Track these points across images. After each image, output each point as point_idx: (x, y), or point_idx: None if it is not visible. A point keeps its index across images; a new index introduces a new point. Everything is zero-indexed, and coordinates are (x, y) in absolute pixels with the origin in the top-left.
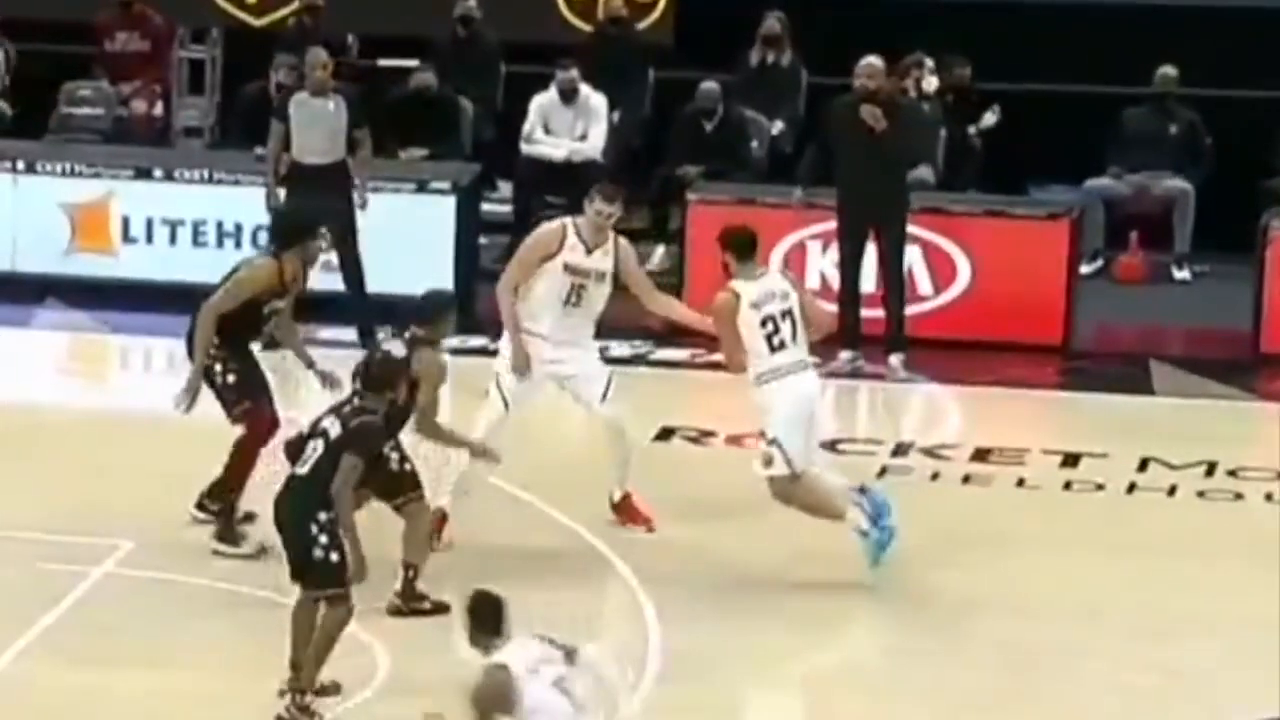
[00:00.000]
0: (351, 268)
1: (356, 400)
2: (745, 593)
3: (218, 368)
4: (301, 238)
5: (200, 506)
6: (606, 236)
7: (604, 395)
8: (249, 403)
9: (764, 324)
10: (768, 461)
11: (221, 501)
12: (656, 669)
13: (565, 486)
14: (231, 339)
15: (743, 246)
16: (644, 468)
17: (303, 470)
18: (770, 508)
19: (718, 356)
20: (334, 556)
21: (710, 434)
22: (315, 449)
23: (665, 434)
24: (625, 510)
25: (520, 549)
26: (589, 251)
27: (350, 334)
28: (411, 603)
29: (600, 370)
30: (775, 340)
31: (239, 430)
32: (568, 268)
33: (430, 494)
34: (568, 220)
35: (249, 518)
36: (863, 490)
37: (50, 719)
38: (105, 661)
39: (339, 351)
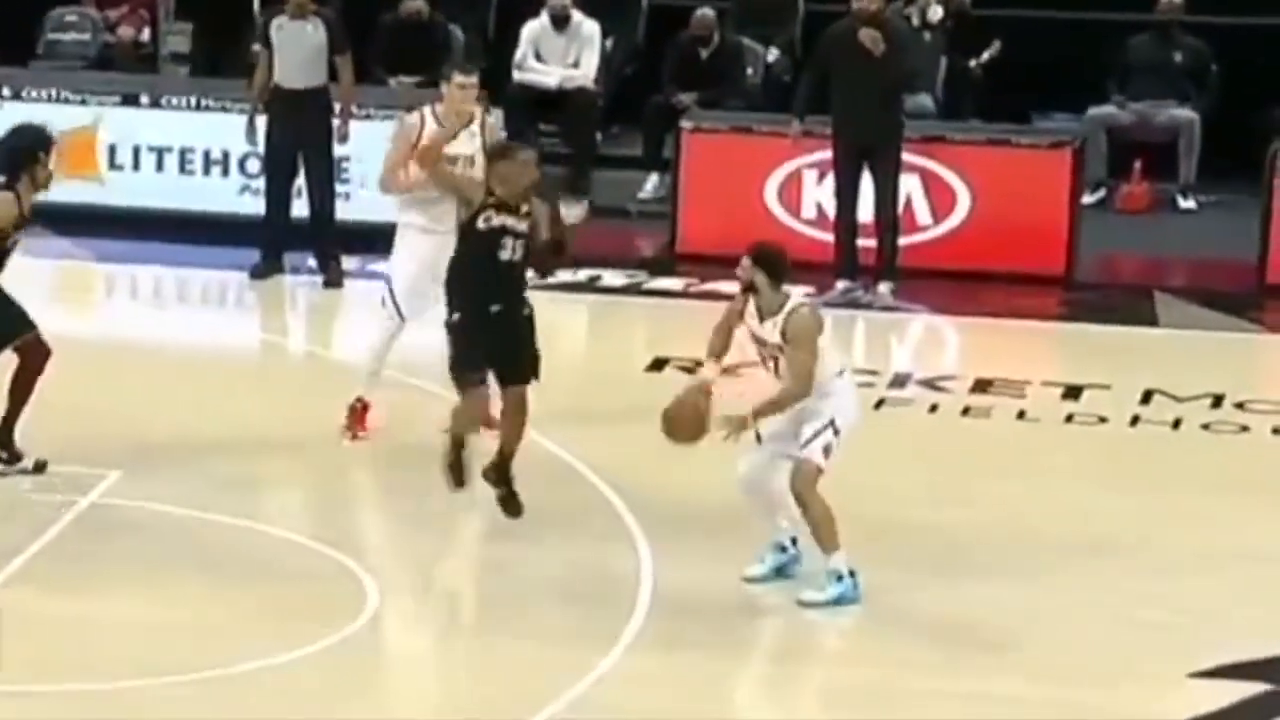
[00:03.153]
0: (320, 195)
1: None
2: (739, 528)
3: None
4: (31, 163)
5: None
6: (471, 118)
7: None
8: (30, 332)
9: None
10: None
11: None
12: (648, 604)
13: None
14: None
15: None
16: (637, 399)
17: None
18: None
19: (710, 286)
20: None
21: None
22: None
23: (658, 364)
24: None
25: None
26: (453, 136)
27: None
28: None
29: None
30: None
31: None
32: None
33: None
34: (426, 108)
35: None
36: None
37: (36, 648)
38: (91, 591)
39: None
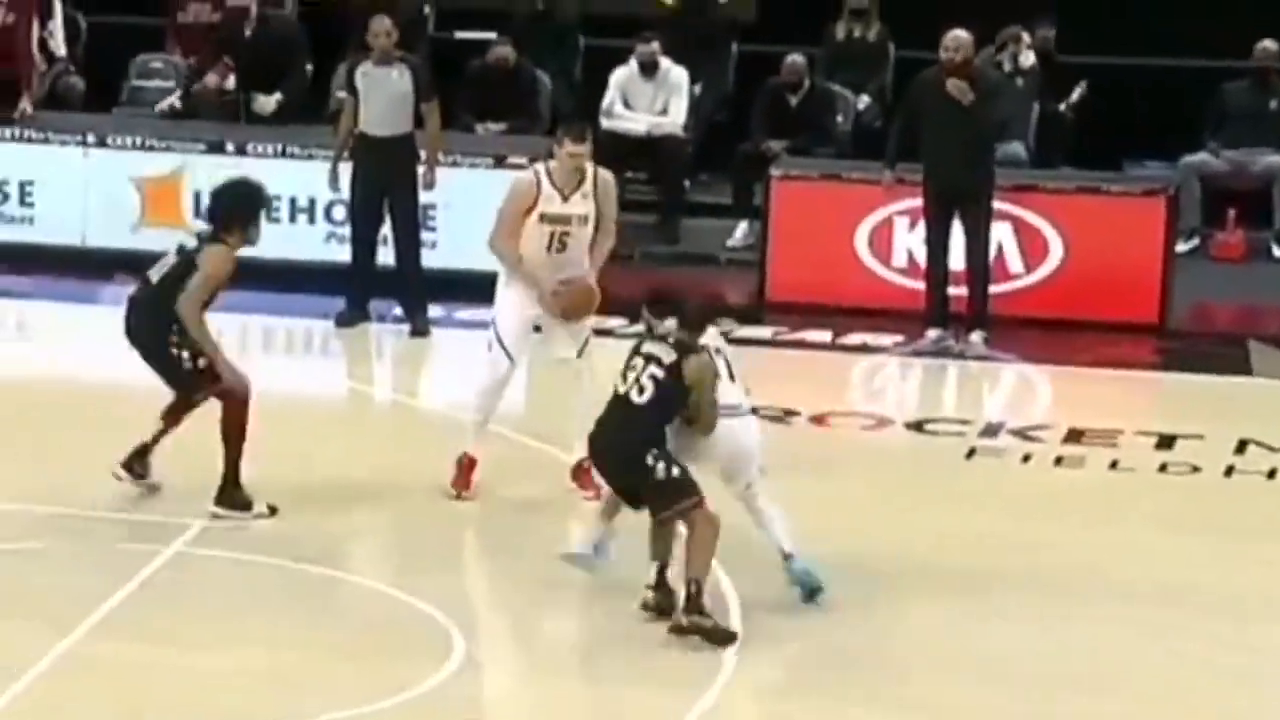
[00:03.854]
0: (405, 243)
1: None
2: (827, 568)
3: (184, 355)
4: (250, 221)
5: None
6: (583, 177)
7: (580, 350)
8: (224, 384)
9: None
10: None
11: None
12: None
13: None
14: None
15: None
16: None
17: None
18: (851, 484)
19: (799, 335)
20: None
21: (793, 412)
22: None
23: (749, 413)
24: (583, 476)
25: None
26: (565, 198)
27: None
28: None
29: (582, 326)
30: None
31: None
32: (544, 218)
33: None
34: (540, 166)
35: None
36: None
37: (119, 696)
38: (174, 640)
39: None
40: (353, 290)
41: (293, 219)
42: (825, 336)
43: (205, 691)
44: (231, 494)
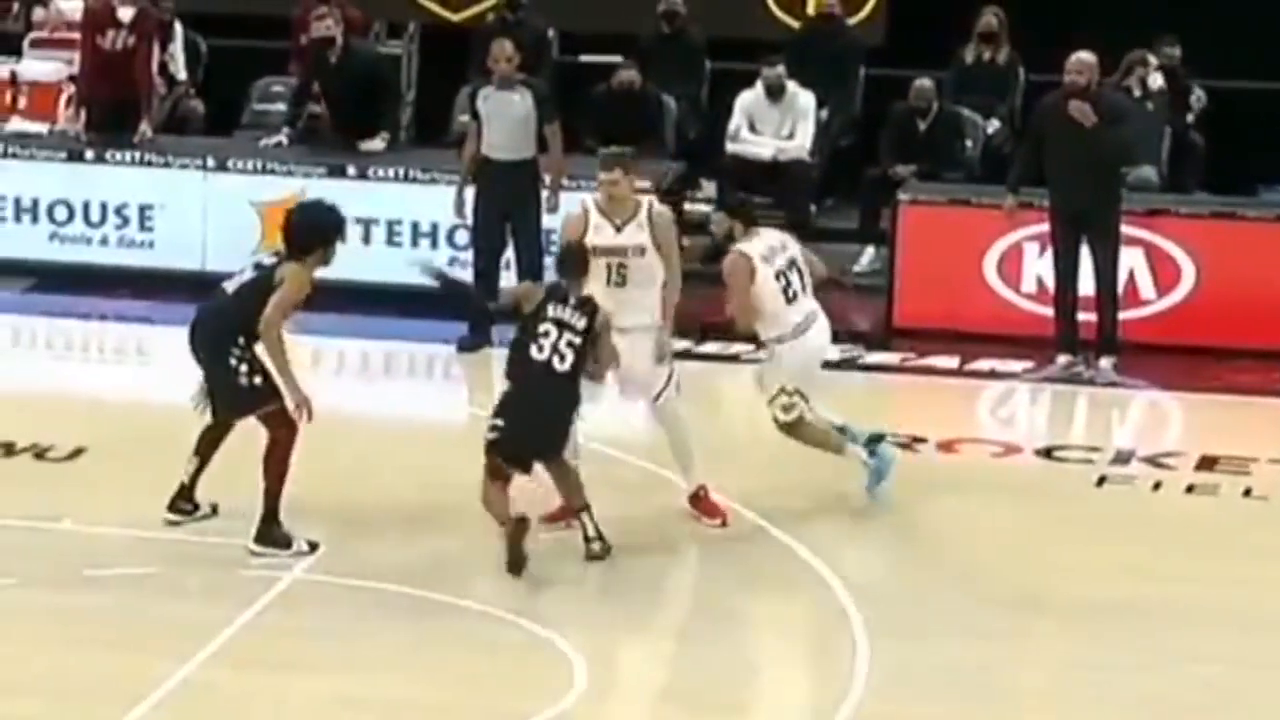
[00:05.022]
0: (528, 267)
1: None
2: (954, 596)
3: (243, 369)
4: (327, 244)
5: (174, 509)
6: (634, 207)
7: (658, 396)
8: (277, 404)
9: (777, 278)
10: (788, 409)
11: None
12: (864, 675)
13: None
14: (253, 344)
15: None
16: (851, 473)
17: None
18: (979, 512)
19: (928, 360)
20: None
21: (921, 439)
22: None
23: (874, 440)
24: (700, 504)
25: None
26: (618, 229)
27: None
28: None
29: (651, 371)
30: (789, 294)
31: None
32: (597, 250)
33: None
34: (588, 197)
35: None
36: (843, 430)
37: None
38: (292, 666)
39: None
40: (475, 315)
41: (414, 243)
42: (953, 363)
43: (326, 718)
44: (270, 531)
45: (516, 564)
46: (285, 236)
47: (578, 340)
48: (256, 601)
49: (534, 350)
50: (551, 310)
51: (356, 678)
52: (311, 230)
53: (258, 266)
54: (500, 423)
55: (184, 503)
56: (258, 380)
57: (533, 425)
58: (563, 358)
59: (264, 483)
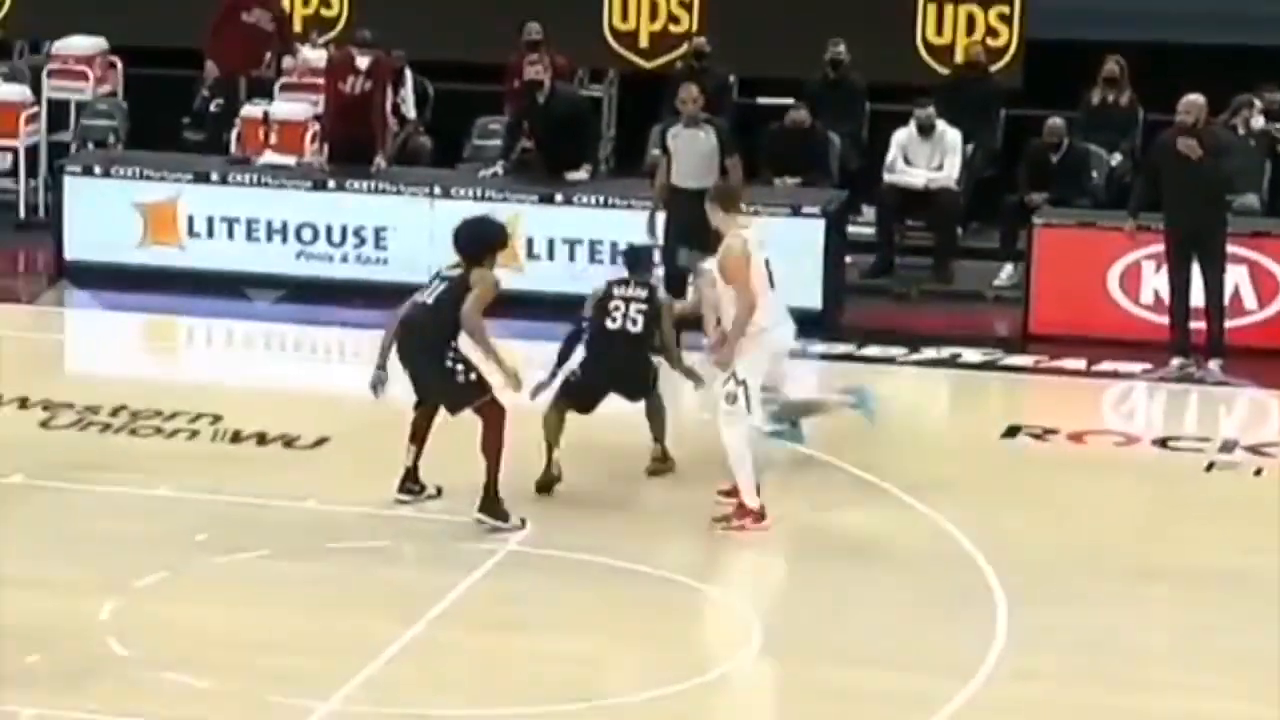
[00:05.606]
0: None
1: None
2: (1082, 566)
3: (459, 368)
4: (494, 253)
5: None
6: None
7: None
8: (489, 395)
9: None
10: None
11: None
12: (1003, 642)
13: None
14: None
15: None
16: (994, 461)
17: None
18: (1104, 494)
19: (1059, 363)
20: None
21: (1052, 431)
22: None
23: (1012, 431)
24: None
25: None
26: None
27: None
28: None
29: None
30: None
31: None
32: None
33: None
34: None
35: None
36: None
37: (463, 676)
38: (509, 627)
39: None
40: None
41: (613, 260)
42: (1081, 364)
43: (536, 672)
44: (492, 506)
45: (548, 484)
46: (461, 249)
47: (644, 308)
48: (476, 570)
49: (609, 323)
50: (618, 291)
51: (560, 636)
52: (482, 241)
53: (445, 278)
54: (579, 373)
55: (411, 484)
56: (472, 376)
57: (614, 375)
58: (634, 322)
59: (485, 461)
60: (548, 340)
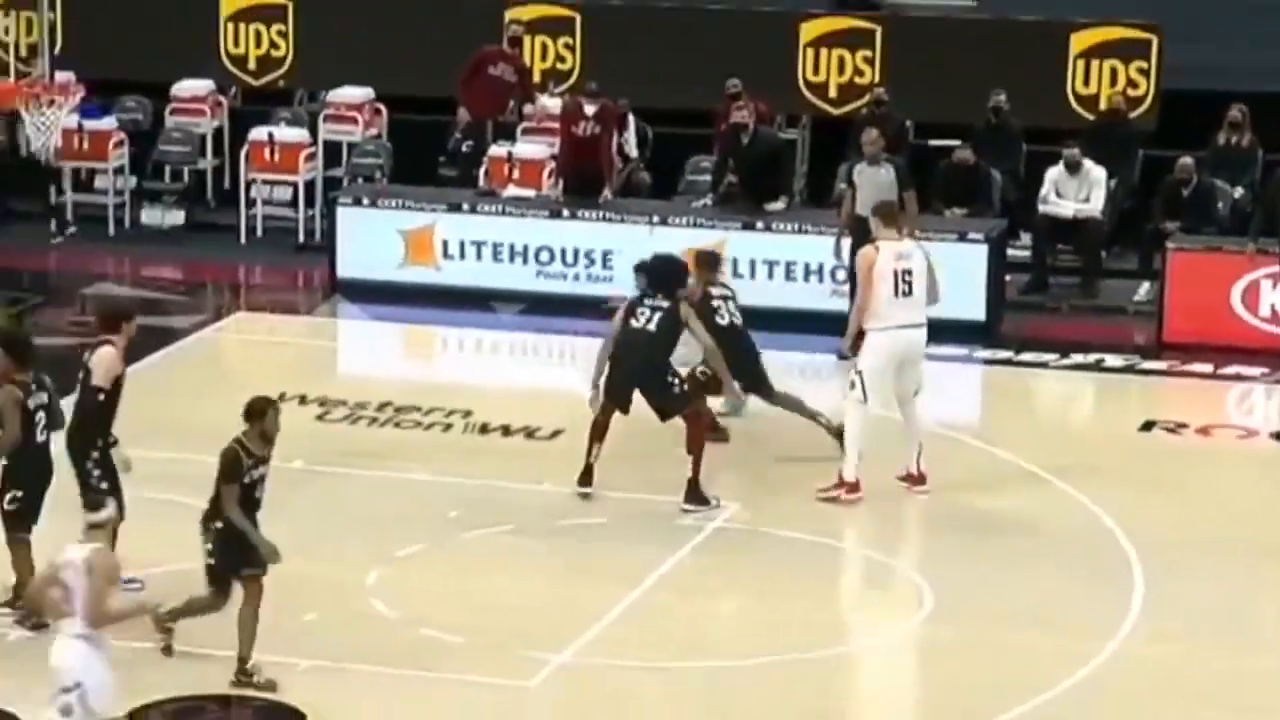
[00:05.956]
0: None
1: None
2: (1209, 546)
3: (676, 381)
4: (683, 284)
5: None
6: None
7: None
8: (695, 401)
9: (903, 276)
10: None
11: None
12: (1139, 606)
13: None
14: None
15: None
16: (1132, 451)
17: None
18: (1227, 481)
19: (1189, 367)
20: None
21: (1184, 425)
22: None
23: (1147, 425)
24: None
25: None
26: (900, 256)
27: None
28: None
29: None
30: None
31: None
32: (897, 272)
33: None
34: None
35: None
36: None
37: (680, 634)
38: (714, 593)
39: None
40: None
41: (806, 279)
42: (1208, 368)
43: (737, 631)
44: (696, 493)
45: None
46: (659, 283)
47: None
48: (686, 544)
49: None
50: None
51: (757, 600)
52: (677, 276)
53: (658, 309)
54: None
55: (589, 478)
56: (685, 387)
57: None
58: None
59: (690, 455)
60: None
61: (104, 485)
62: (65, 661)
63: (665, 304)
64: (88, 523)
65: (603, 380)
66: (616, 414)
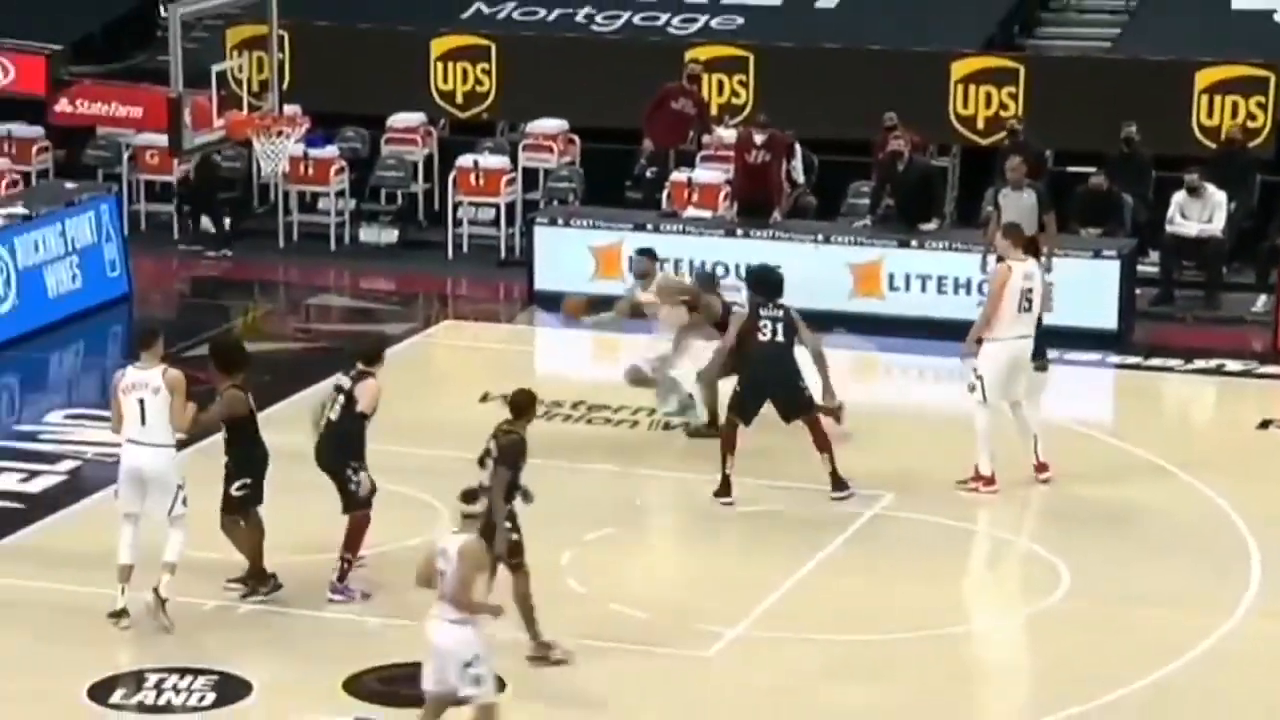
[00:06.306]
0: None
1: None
2: None
3: (805, 385)
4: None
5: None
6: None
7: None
8: (816, 408)
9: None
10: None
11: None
12: (1258, 585)
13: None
14: None
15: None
16: (1250, 447)
17: None
18: None
19: None
20: None
21: None
22: None
23: (1264, 424)
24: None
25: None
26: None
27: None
28: None
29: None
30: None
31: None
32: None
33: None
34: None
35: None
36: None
37: (833, 611)
38: (873, 572)
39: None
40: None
41: (955, 291)
42: None
43: (892, 606)
44: (838, 482)
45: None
46: (771, 291)
47: (780, 321)
48: (848, 529)
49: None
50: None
51: (910, 579)
52: (778, 287)
53: (776, 319)
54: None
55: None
56: (811, 395)
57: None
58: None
59: (822, 452)
60: (904, 353)
61: (363, 489)
62: (450, 641)
63: (778, 312)
64: (461, 514)
65: (730, 394)
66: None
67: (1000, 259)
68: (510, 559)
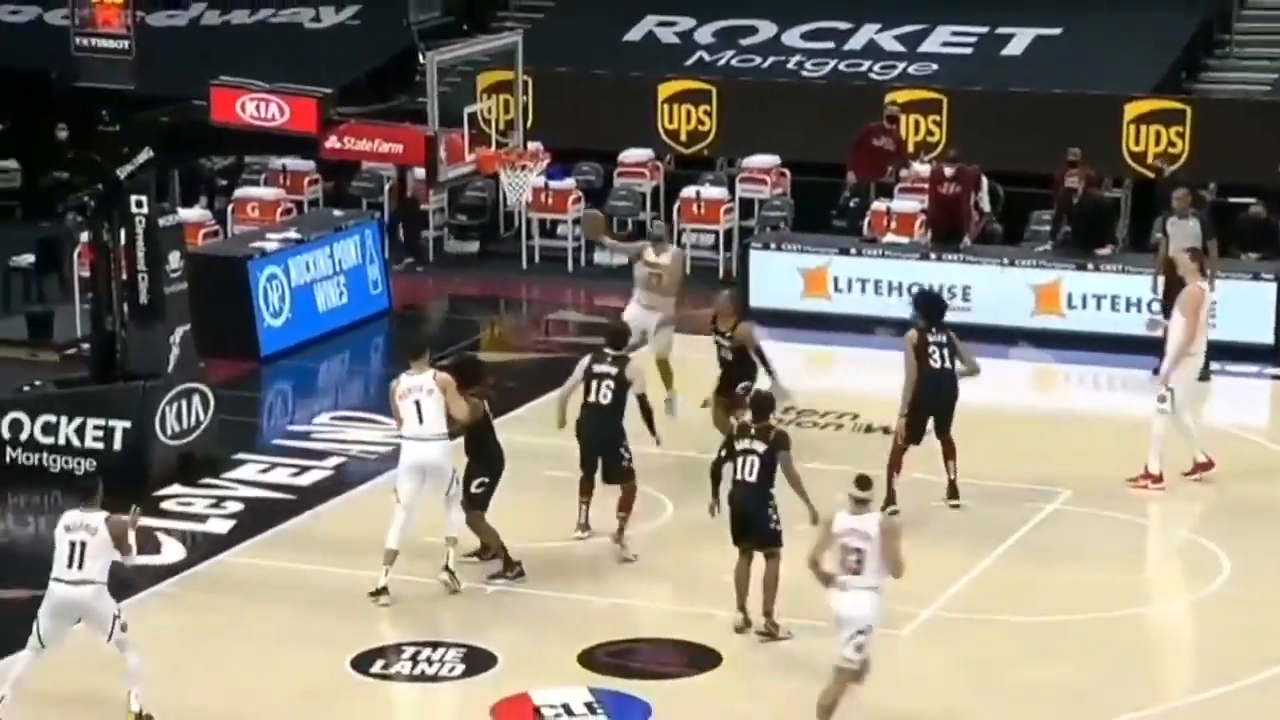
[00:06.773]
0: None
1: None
2: None
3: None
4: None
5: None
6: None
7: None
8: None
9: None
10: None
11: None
12: None
13: None
14: None
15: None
16: None
17: None
18: None
19: None
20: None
21: None
22: None
23: None
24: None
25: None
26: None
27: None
28: None
29: None
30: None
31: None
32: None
33: None
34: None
35: None
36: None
37: (1014, 595)
38: (1050, 561)
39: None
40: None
41: (1128, 309)
42: None
43: (1066, 591)
44: (954, 489)
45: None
46: (928, 315)
47: (945, 347)
48: (1030, 521)
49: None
50: (930, 338)
51: (1081, 566)
52: (942, 313)
53: (941, 344)
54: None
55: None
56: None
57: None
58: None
59: (952, 462)
60: (1080, 365)
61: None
62: (859, 611)
63: (942, 337)
64: (854, 498)
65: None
66: None
67: (1188, 282)
68: (773, 546)
